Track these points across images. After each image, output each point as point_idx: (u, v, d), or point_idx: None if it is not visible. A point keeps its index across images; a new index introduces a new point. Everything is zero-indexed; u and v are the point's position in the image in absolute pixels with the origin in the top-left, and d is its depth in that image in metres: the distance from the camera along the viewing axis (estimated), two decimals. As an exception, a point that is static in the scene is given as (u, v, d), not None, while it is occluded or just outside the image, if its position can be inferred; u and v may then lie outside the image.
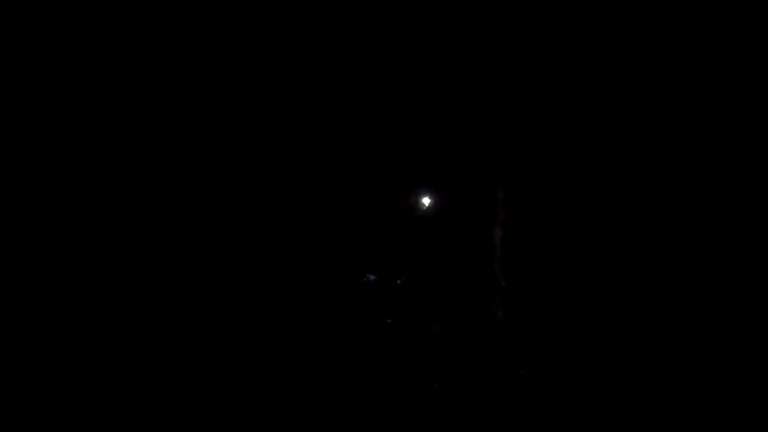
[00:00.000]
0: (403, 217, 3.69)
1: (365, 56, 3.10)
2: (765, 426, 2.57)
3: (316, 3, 2.99)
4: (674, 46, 2.78)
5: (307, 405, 2.90)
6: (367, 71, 3.12)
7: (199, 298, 3.03)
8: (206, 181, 3.12)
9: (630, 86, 2.83)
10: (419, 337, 3.28)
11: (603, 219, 2.95)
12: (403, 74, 3.12)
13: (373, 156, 3.43)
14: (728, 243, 2.75)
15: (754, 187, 2.63)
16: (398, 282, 3.38)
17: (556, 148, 3.00)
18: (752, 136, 2.72)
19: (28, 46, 2.83)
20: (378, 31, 3.04)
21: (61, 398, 2.72)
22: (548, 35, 2.87)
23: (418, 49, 3.04)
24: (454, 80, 3.08)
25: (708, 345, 2.77)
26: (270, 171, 3.25)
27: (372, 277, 3.34)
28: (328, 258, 3.41)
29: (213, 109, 3.12)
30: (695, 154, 2.79)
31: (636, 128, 2.83)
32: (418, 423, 2.87)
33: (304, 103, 3.22)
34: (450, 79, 3.08)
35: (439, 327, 3.23)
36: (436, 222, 3.65)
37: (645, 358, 2.81)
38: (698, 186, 2.81)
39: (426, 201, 3.63)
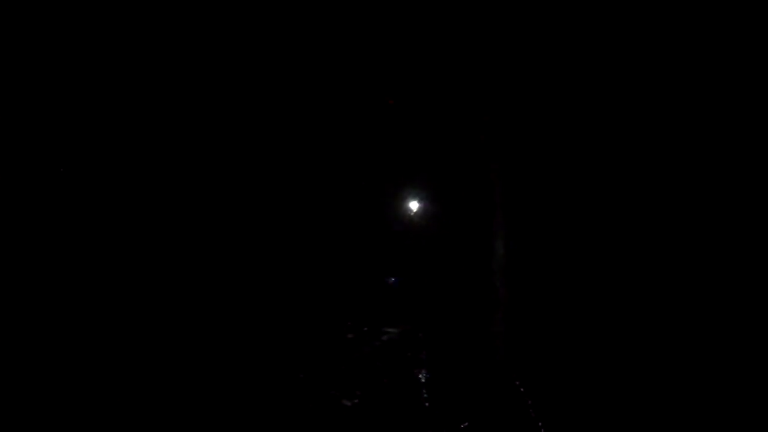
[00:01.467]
0: (400, 220, 3.68)
1: (359, 58, 3.11)
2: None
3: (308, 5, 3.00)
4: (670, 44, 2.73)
5: (295, 398, 2.94)
6: (360, 74, 3.13)
7: (191, 295, 3.09)
8: (198, 182, 3.17)
9: (621, 87, 2.79)
10: (408, 338, 3.27)
11: (599, 221, 2.90)
12: (394, 77, 3.12)
13: (367, 158, 3.43)
14: (726, 244, 2.68)
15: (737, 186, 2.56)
16: (391, 281, 3.38)
17: (554, 151, 2.97)
18: (751, 136, 2.65)
19: (29, 46, 2.89)
20: (372, 32, 3.05)
21: (61, 398, 2.75)
22: (542, 35, 2.84)
23: (412, 51, 3.04)
24: (449, 83, 3.07)
25: (711, 345, 2.71)
26: (260, 173, 3.28)
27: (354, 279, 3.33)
28: (319, 259, 3.43)
29: (206, 112, 3.17)
30: (691, 153, 2.73)
31: (629, 134, 2.78)
32: (404, 418, 2.88)
33: (295, 105, 3.24)
34: (444, 81, 3.07)
35: (428, 331, 3.21)
36: (433, 225, 3.63)
37: (640, 362, 2.76)
38: (697, 186, 2.76)
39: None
